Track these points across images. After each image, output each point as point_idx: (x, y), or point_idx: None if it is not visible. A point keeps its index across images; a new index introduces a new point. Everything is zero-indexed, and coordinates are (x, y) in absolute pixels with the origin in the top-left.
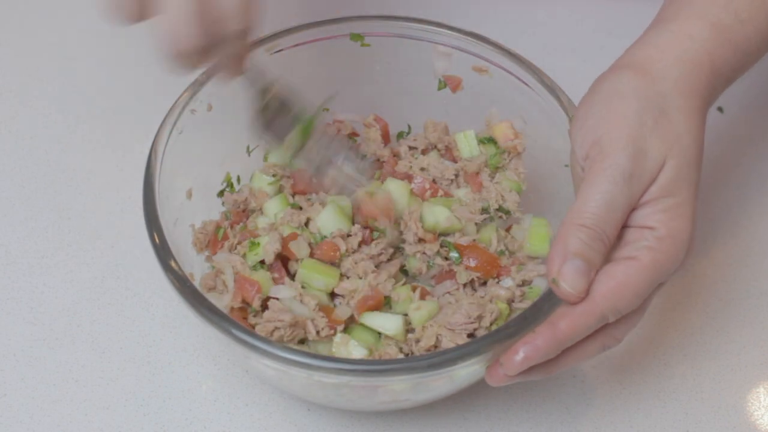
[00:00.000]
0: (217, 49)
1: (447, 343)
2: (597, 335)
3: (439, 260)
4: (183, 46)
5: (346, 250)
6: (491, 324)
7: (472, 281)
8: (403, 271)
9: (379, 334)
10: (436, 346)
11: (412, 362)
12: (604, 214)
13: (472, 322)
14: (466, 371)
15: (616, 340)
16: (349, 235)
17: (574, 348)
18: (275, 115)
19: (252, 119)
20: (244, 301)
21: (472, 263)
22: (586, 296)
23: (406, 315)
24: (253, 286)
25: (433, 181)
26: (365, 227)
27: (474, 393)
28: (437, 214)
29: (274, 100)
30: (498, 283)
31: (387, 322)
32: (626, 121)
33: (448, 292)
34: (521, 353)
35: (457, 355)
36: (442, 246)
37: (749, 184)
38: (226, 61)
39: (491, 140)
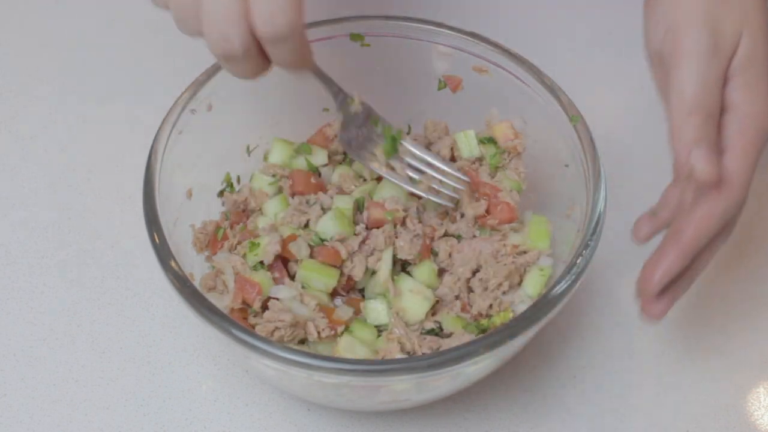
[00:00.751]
0: (273, 48)
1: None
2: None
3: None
4: (233, 46)
5: (347, 253)
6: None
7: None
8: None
9: (379, 332)
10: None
11: (412, 362)
12: (704, 93)
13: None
14: (467, 371)
15: (733, 226)
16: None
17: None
18: (360, 129)
19: (340, 133)
20: (244, 302)
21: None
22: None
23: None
24: (254, 287)
25: None
26: (368, 228)
27: (474, 393)
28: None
29: (357, 114)
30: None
31: (374, 312)
32: (696, 0)
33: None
34: (657, 274)
35: (458, 354)
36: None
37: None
38: (288, 59)
39: (491, 140)
